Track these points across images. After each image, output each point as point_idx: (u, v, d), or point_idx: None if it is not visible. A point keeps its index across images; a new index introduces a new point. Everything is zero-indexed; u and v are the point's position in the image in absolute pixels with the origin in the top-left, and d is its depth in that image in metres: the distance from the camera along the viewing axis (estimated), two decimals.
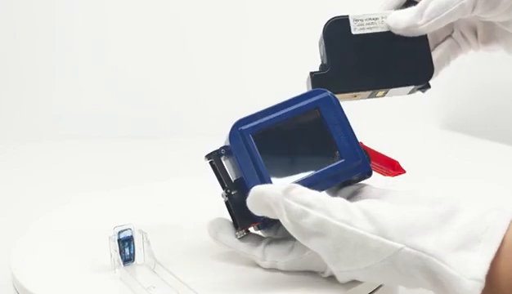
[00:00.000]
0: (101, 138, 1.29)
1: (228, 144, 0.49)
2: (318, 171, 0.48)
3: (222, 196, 0.50)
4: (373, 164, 0.51)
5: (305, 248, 0.44)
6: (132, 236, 0.49)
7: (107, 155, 1.15)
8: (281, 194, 0.42)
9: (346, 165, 0.49)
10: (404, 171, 0.52)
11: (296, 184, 0.44)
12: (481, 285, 0.36)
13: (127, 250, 0.49)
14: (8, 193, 0.91)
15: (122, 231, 0.48)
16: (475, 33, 0.57)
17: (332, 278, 0.45)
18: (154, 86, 1.46)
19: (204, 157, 0.50)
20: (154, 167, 1.03)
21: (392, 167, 0.52)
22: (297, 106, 0.50)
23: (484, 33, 0.56)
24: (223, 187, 0.50)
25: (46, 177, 0.98)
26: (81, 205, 0.68)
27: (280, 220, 0.43)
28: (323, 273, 0.46)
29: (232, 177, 0.50)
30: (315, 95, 0.50)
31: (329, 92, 0.50)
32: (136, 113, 1.41)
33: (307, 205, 0.42)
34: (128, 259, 0.49)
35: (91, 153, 1.16)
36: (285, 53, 1.47)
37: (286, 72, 1.44)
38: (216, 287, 0.47)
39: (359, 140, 0.50)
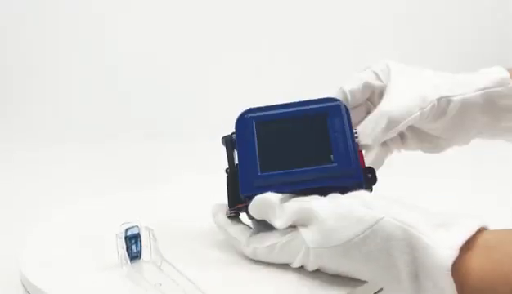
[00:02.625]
0: (100, 142, 1.28)
1: None
2: (309, 168, 0.49)
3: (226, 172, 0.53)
4: None
5: (282, 236, 0.47)
6: (139, 233, 0.49)
7: (110, 158, 1.15)
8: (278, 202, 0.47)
9: (337, 169, 0.49)
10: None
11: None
12: (455, 254, 0.38)
13: (134, 247, 0.49)
14: (10, 195, 0.91)
15: (129, 228, 0.49)
16: (401, 136, 0.58)
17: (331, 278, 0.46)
18: (153, 87, 1.46)
19: (221, 139, 0.53)
20: (158, 169, 1.03)
21: None
22: (306, 107, 0.52)
23: (412, 138, 0.57)
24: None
25: (49, 179, 0.99)
26: (86, 206, 0.68)
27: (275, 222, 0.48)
28: (292, 263, 0.48)
29: (236, 161, 0.52)
30: (326, 102, 0.52)
31: (340, 102, 0.52)
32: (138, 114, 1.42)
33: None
34: (134, 256, 0.49)
35: (92, 156, 1.16)
36: (271, 64, 1.46)
37: (271, 83, 1.45)
38: (222, 284, 0.47)
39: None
